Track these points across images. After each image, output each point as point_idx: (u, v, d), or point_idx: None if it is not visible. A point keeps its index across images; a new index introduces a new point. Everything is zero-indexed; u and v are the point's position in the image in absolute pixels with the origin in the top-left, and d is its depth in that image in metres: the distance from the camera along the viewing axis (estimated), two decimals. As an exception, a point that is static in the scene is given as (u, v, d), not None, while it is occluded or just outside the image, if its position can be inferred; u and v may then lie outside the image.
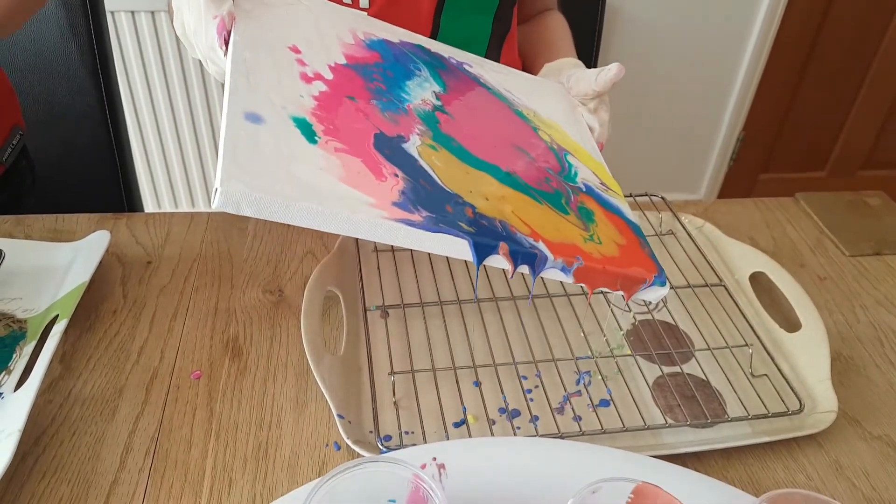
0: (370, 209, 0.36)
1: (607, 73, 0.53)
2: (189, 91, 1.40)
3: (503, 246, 0.38)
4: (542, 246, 0.40)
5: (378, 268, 0.59)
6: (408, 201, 0.38)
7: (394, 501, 0.36)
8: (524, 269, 0.39)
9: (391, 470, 0.35)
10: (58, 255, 0.57)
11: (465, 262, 0.60)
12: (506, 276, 0.59)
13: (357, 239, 0.61)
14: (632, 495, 0.32)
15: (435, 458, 0.40)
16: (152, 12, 1.31)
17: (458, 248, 0.37)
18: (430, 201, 0.38)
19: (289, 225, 0.65)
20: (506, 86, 0.55)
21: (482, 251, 0.38)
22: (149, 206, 1.55)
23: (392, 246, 0.61)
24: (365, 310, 0.55)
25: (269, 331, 0.53)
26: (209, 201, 1.55)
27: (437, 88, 0.49)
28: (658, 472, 0.40)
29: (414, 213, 0.37)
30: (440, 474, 0.40)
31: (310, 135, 0.39)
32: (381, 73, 0.47)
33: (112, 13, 1.29)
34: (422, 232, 0.36)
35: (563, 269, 0.40)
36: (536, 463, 0.40)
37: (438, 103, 0.47)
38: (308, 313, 0.51)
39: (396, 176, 0.39)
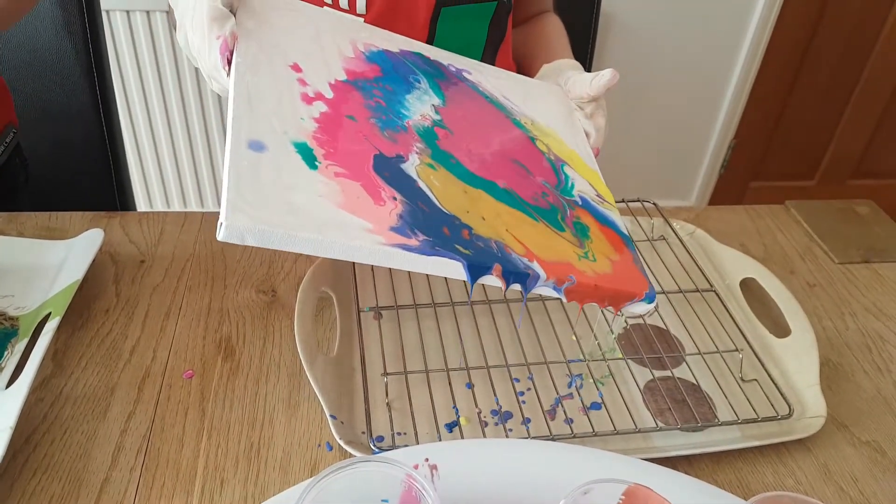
0: (368, 235, 0.37)
1: (601, 78, 0.53)
2: (183, 91, 1.40)
3: (497, 267, 0.39)
4: (535, 266, 0.41)
5: (372, 269, 0.59)
6: (405, 225, 0.38)
7: (386, 501, 0.36)
8: (516, 286, 0.40)
9: (384, 470, 0.35)
10: (50, 252, 0.56)
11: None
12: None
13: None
14: (623, 497, 0.33)
15: (427, 459, 0.40)
16: (147, 12, 1.30)
17: (454, 269, 0.38)
18: (427, 224, 0.39)
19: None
20: (504, 92, 0.55)
21: (476, 272, 0.39)
22: (141, 205, 1.54)
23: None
24: (358, 311, 0.55)
25: (262, 331, 0.53)
26: (201, 201, 1.55)
27: (437, 101, 0.49)
28: (649, 475, 0.40)
29: (411, 237, 0.38)
30: (432, 475, 0.40)
31: (310, 160, 0.39)
32: (380, 87, 0.47)
33: (107, 12, 1.28)
34: (418, 256, 0.37)
35: (554, 288, 0.41)
36: (528, 464, 0.40)
37: (437, 117, 0.48)
38: (301, 314, 0.51)
39: (395, 199, 0.40)
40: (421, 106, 0.48)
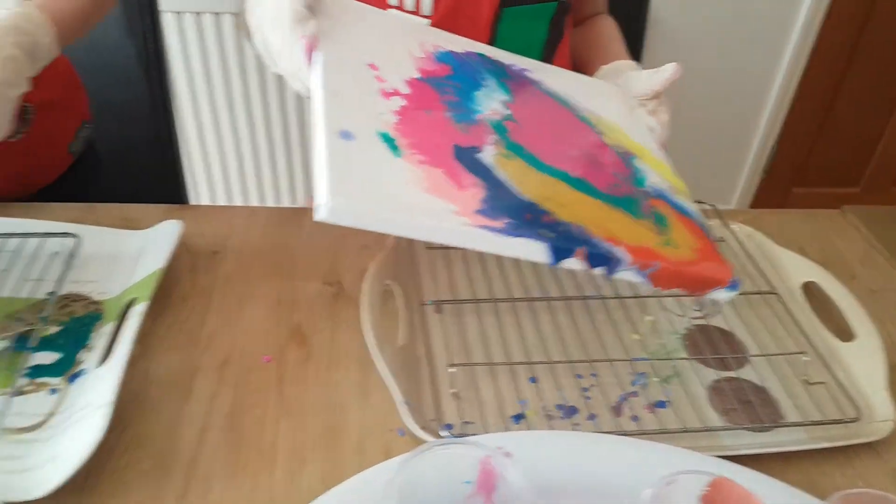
0: (455, 217, 0.38)
1: (663, 73, 0.54)
2: (235, 90, 1.42)
3: (581, 250, 0.40)
4: (619, 250, 0.41)
5: (431, 264, 0.60)
6: (489, 209, 0.40)
7: (469, 483, 0.37)
8: (599, 270, 0.40)
9: (467, 452, 0.36)
10: (129, 241, 0.59)
11: (518, 260, 0.61)
12: (555, 276, 0.60)
13: (413, 236, 0.63)
14: (708, 488, 0.33)
15: (500, 448, 0.41)
16: (198, 13, 1.34)
17: (537, 251, 0.39)
18: (509, 208, 0.40)
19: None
20: (567, 90, 0.56)
21: (559, 254, 0.39)
22: (190, 201, 1.58)
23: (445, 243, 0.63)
24: (421, 304, 0.56)
25: (330, 320, 0.55)
26: (245, 197, 1.58)
27: (505, 97, 0.50)
28: (725, 472, 0.40)
29: (495, 219, 0.39)
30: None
31: (395, 149, 0.41)
32: (452, 85, 0.49)
33: (164, 13, 1.32)
34: (503, 237, 0.38)
35: (638, 272, 0.41)
36: (602, 458, 0.41)
37: (507, 112, 0.49)
38: (368, 305, 0.53)
39: (476, 185, 0.41)
40: (490, 102, 0.50)
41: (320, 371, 0.50)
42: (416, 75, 0.48)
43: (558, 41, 0.67)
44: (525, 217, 0.40)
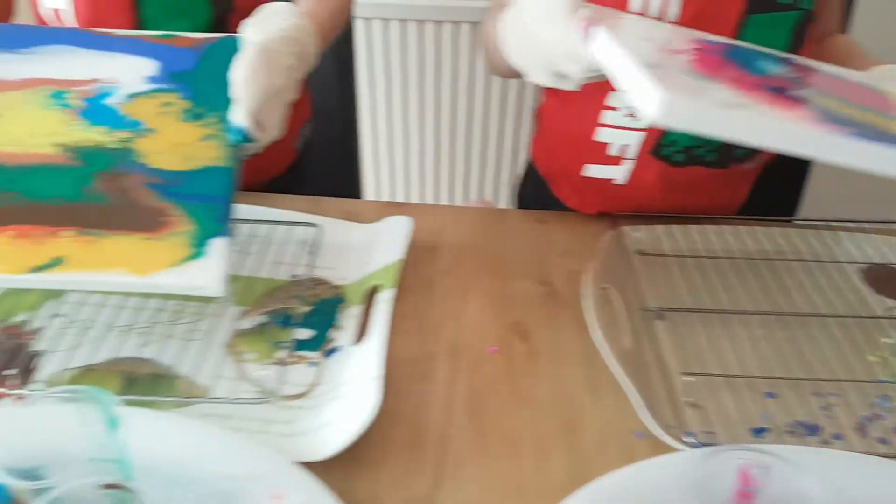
0: (797, 123, 0.35)
1: None
2: (422, 98, 1.47)
3: None
4: None
5: (648, 270, 0.61)
6: (829, 120, 0.36)
7: (732, 491, 0.37)
8: None
9: (730, 458, 0.37)
10: (360, 233, 0.64)
11: (741, 270, 0.60)
12: (784, 290, 0.58)
13: (623, 239, 0.64)
14: None
15: (756, 459, 0.41)
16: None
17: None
18: (849, 122, 0.37)
19: (544, 222, 0.68)
20: (836, 72, 0.54)
21: None
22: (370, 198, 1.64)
23: (655, 249, 0.63)
24: (642, 309, 0.57)
25: (546, 318, 0.57)
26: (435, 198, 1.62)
27: (784, 68, 0.50)
28: None
29: (842, 127, 0.36)
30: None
31: (702, 78, 0.40)
32: (728, 55, 0.48)
33: (357, 19, 1.40)
34: (860, 141, 0.35)
35: None
36: (864, 480, 0.40)
37: (795, 76, 0.48)
38: (591, 307, 0.54)
39: (802, 106, 0.38)
40: (772, 68, 0.48)
41: (548, 367, 0.52)
42: (692, 46, 0.49)
43: (798, 51, 0.66)
44: (872, 128, 0.36)
